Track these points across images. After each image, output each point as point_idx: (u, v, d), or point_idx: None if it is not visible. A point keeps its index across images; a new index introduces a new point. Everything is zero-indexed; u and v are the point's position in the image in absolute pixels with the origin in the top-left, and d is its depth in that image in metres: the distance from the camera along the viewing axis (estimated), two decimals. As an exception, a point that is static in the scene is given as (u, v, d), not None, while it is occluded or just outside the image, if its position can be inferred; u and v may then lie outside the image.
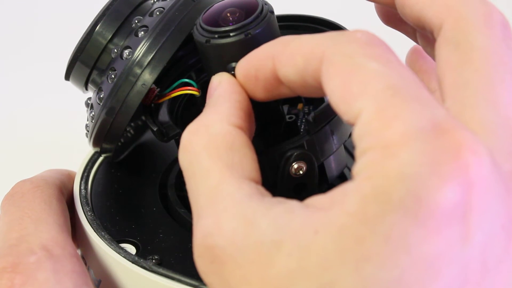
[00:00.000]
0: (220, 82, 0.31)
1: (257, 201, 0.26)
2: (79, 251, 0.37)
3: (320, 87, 0.27)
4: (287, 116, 0.37)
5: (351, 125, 0.26)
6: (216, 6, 0.34)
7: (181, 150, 0.29)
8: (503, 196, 0.25)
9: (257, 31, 0.32)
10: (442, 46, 0.29)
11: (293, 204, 0.26)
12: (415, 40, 0.35)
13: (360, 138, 0.25)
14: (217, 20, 0.33)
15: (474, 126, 0.26)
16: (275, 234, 0.24)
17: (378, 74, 0.25)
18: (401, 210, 0.23)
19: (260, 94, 0.30)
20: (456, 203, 0.23)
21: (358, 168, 0.25)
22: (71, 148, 0.52)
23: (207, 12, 0.34)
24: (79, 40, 0.37)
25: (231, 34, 0.32)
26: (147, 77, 0.34)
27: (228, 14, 0.33)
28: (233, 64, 0.32)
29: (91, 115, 0.37)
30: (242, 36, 0.32)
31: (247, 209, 0.25)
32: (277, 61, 0.29)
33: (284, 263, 0.24)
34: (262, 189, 0.27)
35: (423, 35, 0.34)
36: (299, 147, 0.33)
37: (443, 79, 0.28)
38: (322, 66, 0.27)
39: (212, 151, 0.28)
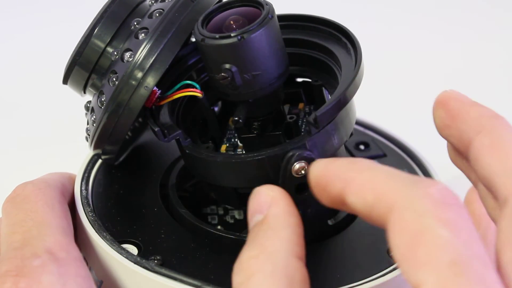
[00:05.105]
0: (274, 199, 0.30)
1: None
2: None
3: (382, 224, 0.27)
4: (288, 116, 0.37)
5: None
6: (221, 15, 0.34)
7: (238, 270, 0.28)
8: None
9: (251, 36, 0.32)
10: (505, 221, 0.27)
11: None
12: (474, 184, 0.33)
13: None
14: (221, 28, 0.33)
15: None
16: None
17: (446, 244, 0.24)
18: None
19: (323, 200, 0.30)
20: None
21: None
22: (71, 149, 0.51)
23: (212, 20, 0.34)
24: (77, 44, 0.37)
25: (231, 35, 0.32)
26: (149, 80, 0.34)
27: (232, 22, 0.33)
28: (227, 65, 0.33)
29: (92, 118, 0.37)
30: (235, 39, 0.32)
31: None
32: (347, 188, 0.28)
33: None
34: None
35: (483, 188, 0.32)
36: (300, 147, 0.33)
37: (502, 254, 0.26)
38: (391, 215, 0.26)
39: (272, 283, 0.27)
